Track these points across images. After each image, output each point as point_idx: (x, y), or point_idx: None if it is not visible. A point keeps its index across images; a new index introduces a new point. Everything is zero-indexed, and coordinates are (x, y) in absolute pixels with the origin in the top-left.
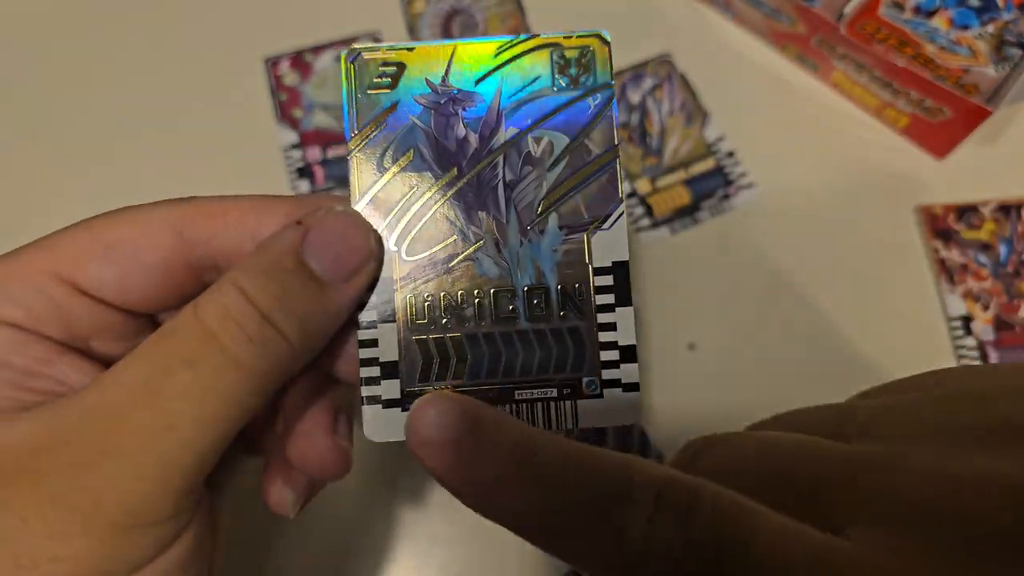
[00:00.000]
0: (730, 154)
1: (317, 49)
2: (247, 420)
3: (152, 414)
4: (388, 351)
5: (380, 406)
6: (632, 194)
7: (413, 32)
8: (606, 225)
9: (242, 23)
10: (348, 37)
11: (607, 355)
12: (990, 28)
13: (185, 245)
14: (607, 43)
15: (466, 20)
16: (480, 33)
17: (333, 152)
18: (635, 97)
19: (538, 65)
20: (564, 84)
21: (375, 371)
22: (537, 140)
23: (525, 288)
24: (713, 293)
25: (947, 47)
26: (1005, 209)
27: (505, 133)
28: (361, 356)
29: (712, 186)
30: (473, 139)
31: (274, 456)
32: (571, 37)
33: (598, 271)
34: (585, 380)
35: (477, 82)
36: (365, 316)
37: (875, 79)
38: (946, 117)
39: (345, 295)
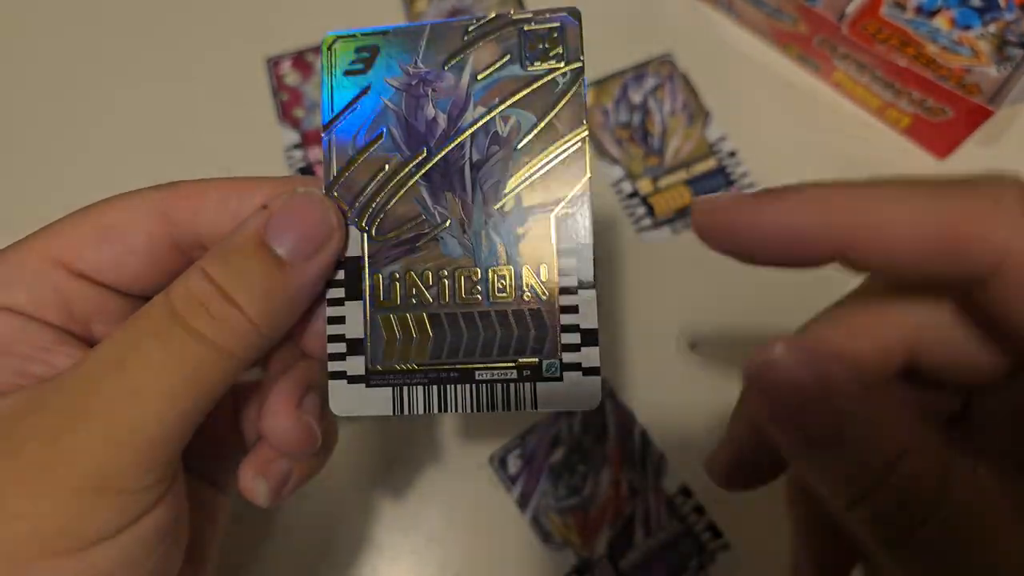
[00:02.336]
0: (732, 154)
1: (318, 49)
2: (217, 395)
3: (120, 382)
4: (354, 328)
5: (345, 381)
6: (634, 194)
7: None
8: (572, 208)
9: (244, 23)
10: None
11: (568, 338)
12: (992, 28)
13: (171, 226)
14: (577, 19)
15: None
16: None
17: None
18: (636, 97)
19: (508, 43)
20: (533, 62)
21: (341, 347)
22: (505, 120)
23: (488, 269)
24: (715, 293)
25: (949, 47)
26: None
27: (473, 113)
28: (328, 332)
29: (714, 186)
30: (442, 120)
31: (251, 451)
32: (542, 14)
33: (562, 252)
34: (545, 363)
35: (447, 63)
36: (332, 293)
37: (877, 79)
38: (948, 117)
39: (307, 273)
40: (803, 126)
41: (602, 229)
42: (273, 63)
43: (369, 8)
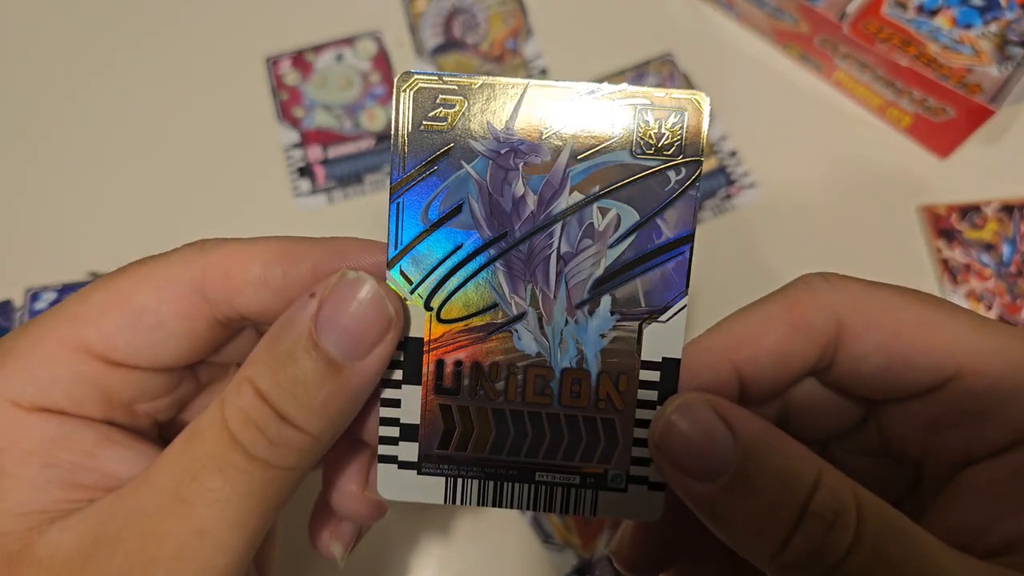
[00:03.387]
0: (732, 153)
1: (318, 48)
2: (282, 506)
3: (184, 521)
4: (410, 413)
5: (396, 466)
6: None
7: (415, 31)
8: (663, 317)
9: (243, 22)
10: (349, 36)
11: (639, 452)
12: (993, 27)
13: (209, 304)
14: (702, 108)
15: (468, 20)
16: (481, 32)
17: (334, 151)
18: None
19: (619, 123)
20: (645, 150)
21: (394, 431)
22: (603, 211)
23: (563, 370)
24: (715, 292)
25: (950, 46)
26: (1008, 209)
27: (568, 198)
28: (381, 415)
29: (714, 185)
30: (531, 200)
31: (319, 506)
32: (664, 96)
33: (646, 365)
34: (611, 473)
35: (545, 134)
36: (389, 374)
37: (878, 78)
38: (949, 116)
39: (366, 372)
40: (804, 126)
41: None
42: (272, 62)
43: (369, 7)
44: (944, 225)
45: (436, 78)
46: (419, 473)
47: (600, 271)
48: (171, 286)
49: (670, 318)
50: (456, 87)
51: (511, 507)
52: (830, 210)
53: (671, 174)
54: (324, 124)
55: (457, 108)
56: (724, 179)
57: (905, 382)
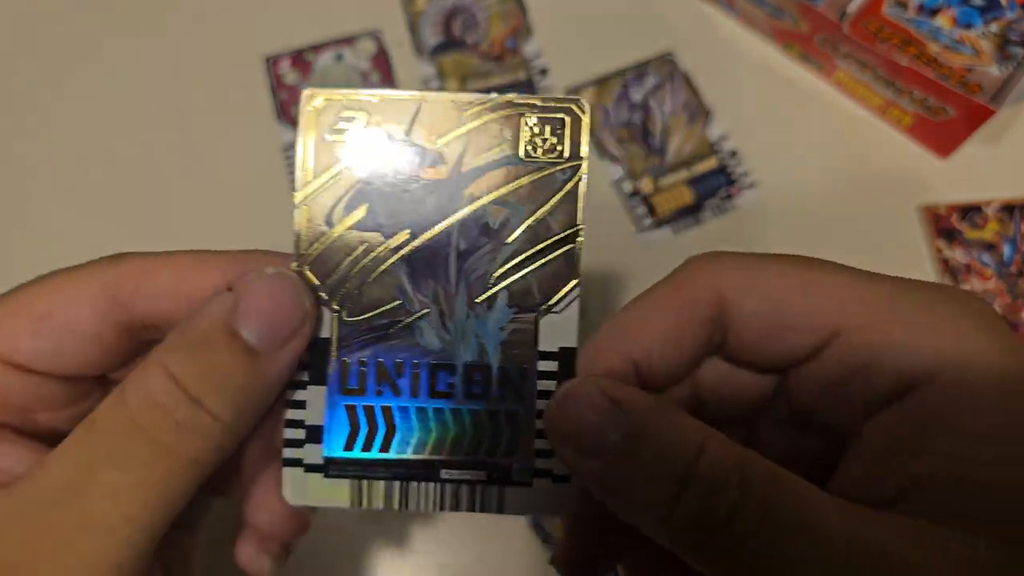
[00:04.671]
0: (733, 153)
1: (318, 48)
2: (187, 500)
3: (75, 514)
4: (315, 414)
5: (302, 469)
6: (634, 193)
7: (414, 31)
8: (557, 308)
9: (243, 22)
10: (349, 35)
11: (542, 443)
12: (994, 27)
13: (119, 309)
14: (583, 113)
15: (467, 19)
16: (480, 32)
17: None
18: (637, 96)
19: (507, 129)
20: (532, 153)
21: (300, 433)
22: (497, 211)
23: (465, 364)
24: None
25: (950, 46)
26: (1009, 209)
27: (464, 199)
28: (287, 416)
29: (715, 185)
30: (431, 202)
31: (240, 523)
32: (547, 102)
33: (543, 355)
34: (516, 467)
35: (441, 141)
36: (296, 375)
37: (878, 78)
38: (949, 116)
39: (281, 362)
40: (804, 125)
41: (602, 229)
42: (272, 62)
43: (368, 6)
44: (945, 225)
45: (339, 94)
46: (325, 476)
47: (496, 267)
48: (81, 291)
49: (564, 308)
50: (357, 102)
51: (418, 509)
52: (830, 210)
53: (558, 175)
54: None
55: (358, 120)
56: (724, 179)
57: (791, 346)
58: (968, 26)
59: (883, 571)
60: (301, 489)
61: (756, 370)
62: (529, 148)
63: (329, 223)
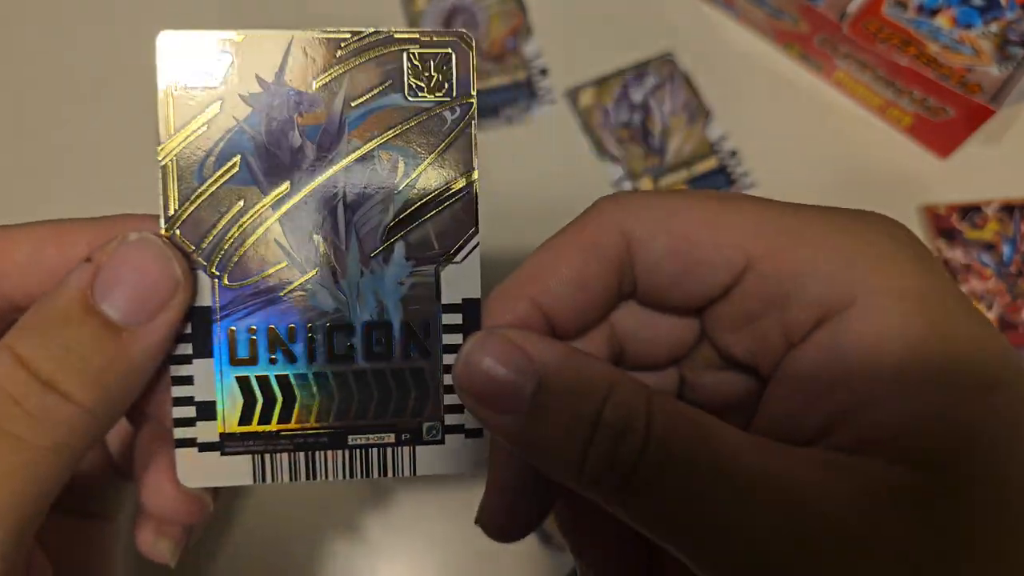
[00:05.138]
0: (733, 153)
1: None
2: (57, 488)
3: None
4: (205, 389)
5: (196, 449)
6: None
7: None
8: (458, 258)
9: (243, 23)
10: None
11: (451, 399)
12: (993, 27)
13: None
14: (470, 47)
15: (468, 19)
16: (481, 32)
17: None
18: (637, 96)
19: (390, 67)
20: (418, 92)
21: (190, 411)
22: (385, 156)
23: (364, 324)
24: None
25: (950, 46)
26: (1008, 209)
27: (348, 145)
28: (174, 394)
29: (715, 185)
30: (310, 150)
31: (138, 508)
32: (429, 37)
33: (447, 308)
34: (426, 425)
35: (317, 83)
36: (177, 349)
37: (878, 78)
38: (949, 116)
39: (151, 337)
40: (804, 125)
41: None
42: None
43: (368, 5)
44: (944, 225)
45: (198, 34)
46: (222, 454)
47: (390, 217)
48: None
49: (464, 258)
50: (219, 43)
51: (326, 478)
52: None
53: (447, 114)
54: None
55: (224, 64)
56: (724, 179)
57: (703, 284)
58: (968, 26)
59: (793, 502)
60: (197, 470)
61: (674, 313)
62: (415, 86)
63: (200, 179)
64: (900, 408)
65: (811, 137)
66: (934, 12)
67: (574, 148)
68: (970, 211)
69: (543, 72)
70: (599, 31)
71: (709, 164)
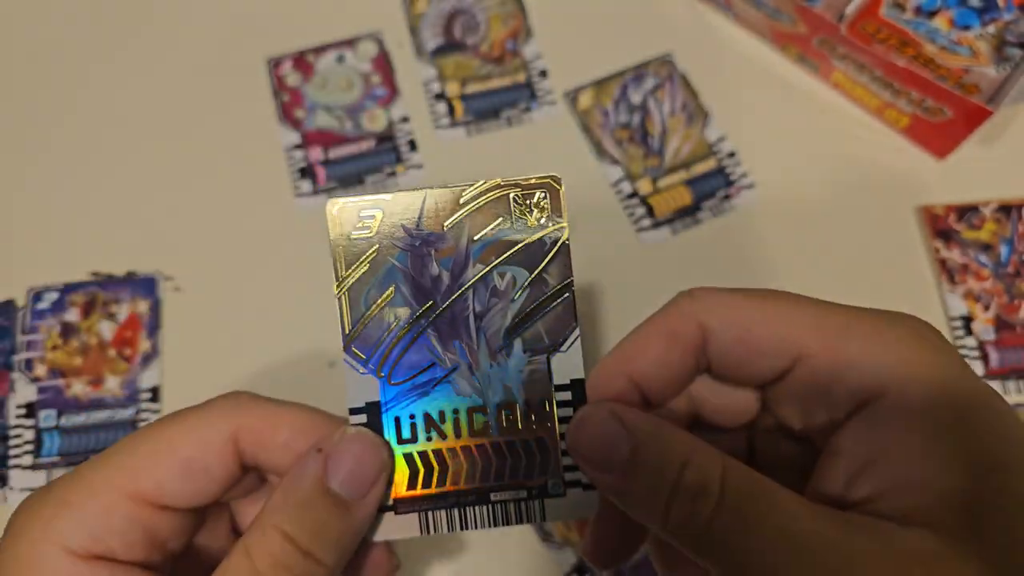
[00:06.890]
0: (731, 154)
1: (319, 50)
2: None
3: None
4: None
5: (376, 511)
6: (633, 194)
7: (415, 32)
8: (563, 348)
9: (244, 24)
10: (350, 37)
11: (568, 460)
12: (991, 28)
13: (240, 453)
14: (559, 186)
15: (468, 21)
16: (481, 33)
17: (335, 152)
18: (636, 97)
19: (500, 207)
20: (522, 224)
21: None
22: (501, 275)
23: (496, 405)
24: None
25: (948, 47)
26: (1006, 209)
27: (473, 270)
28: None
29: (713, 186)
30: (445, 276)
31: None
32: (529, 180)
33: (558, 388)
34: (550, 482)
35: (446, 226)
36: (355, 420)
37: (876, 79)
38: (947, 117)
39: (369, 507)
40: (802, 126)
41: (601, 230)
42: (274, 64)
43: (369, 8)
44: (942, 225)
45: (356, 199)
46: (396, 514)
47: (508, 321)
48: (214, 436)
49: (568, 347)
50: (372, 203)
51: (476, 528)
52: (828, 211)
53: (546, 238)
54: (325, 125)
55: (376, 217)
56: (723, 180)
57: (762, 369)
58: (966, 27)
59: (841, 560)
60: (379, 527)
61: (741, 387)
62: (519, 220)
63: (366, 305)
64: (925, 483)
65: (809, 138)
66: (932, 13)
67: (574, 149)
68: (967, 211)
69: (543, 73)
70: (598, 33)
71: (708, 165)
